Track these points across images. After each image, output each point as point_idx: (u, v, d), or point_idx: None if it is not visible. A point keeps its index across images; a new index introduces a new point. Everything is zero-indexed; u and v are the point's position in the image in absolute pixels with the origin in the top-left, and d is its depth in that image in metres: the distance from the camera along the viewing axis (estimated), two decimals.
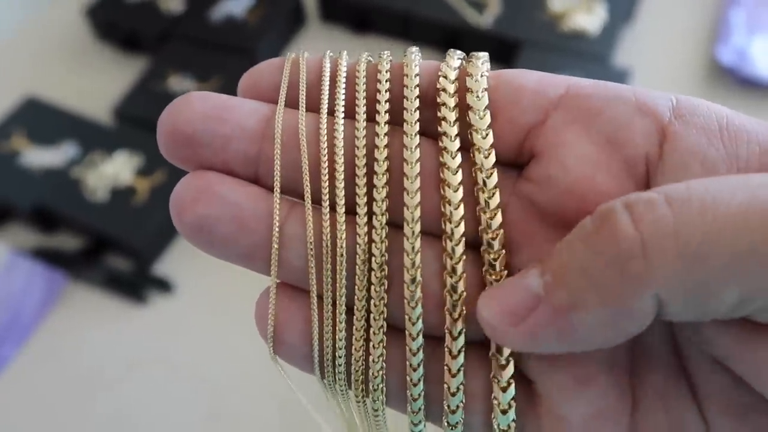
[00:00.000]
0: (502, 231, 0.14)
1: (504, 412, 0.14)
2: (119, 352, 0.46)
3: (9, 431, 0.43)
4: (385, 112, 0.15)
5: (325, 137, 0.15)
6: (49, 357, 0.46)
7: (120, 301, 0.48)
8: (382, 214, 0.14)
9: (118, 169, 0.50)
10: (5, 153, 0.52)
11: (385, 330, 0.15)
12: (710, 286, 0.11)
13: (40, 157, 0.52)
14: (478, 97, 0.14)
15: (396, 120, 0.15)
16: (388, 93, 0.15)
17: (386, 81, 0.15)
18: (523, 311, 0.12)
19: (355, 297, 0.15)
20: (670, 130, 0.13)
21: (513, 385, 0.14)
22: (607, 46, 0.55)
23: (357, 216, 0.15)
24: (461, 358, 0.14)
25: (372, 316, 0.15)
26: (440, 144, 0.15)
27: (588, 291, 0.11)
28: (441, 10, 0.57)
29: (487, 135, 0.14)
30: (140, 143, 0.52)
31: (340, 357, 0.15)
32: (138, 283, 0.48)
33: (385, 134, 0.15)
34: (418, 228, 0.14)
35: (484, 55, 0.15)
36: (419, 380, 0.14)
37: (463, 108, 0.15)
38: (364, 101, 0.15)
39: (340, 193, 0.15)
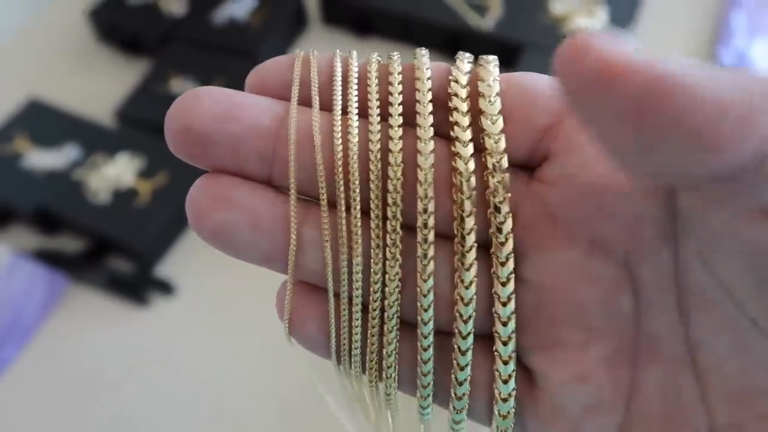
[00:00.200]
0: (512, 236, 0.14)
1: (504, 400, 0.15)
2: (121, 354, 0.46)
3: None
4: (399, 115, 0.15)
5: (340, 139, 0.15)
6: (50, 359, 0.46)
7: (122, 303, 0.48)
8: (396, 219, 0.15)
9: (120, 171, 0.50)
10: (7, 155, 0.52)
11: (398, 327, 0.15)
12: None
13: (42, 159, 0.52)
14: (490, 101, 0.14)
15: (407, 120, 0.15)
16: (400, 95, 0.15)
17: (399, 83, 0.15)
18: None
19: (370, 298, 0.15)
20: None
21: (513, 378, 0.15)
22: None
23: (372, 220, 0.15)
24: (469, 356, 0.15)
25: (386, 314, 0.15)
26: (453, 149, 0.15)
27: None
28: (443, 12, 0.58)
29: (499, 140, 0.14)
30: (142, 145, 0.52)
31: (355, 349, 0.15)
32: (139, 285, 0.48)
33: (400, 137, 0.15)
34: (431, 236, 0.14)
35: (494, 59, 0.15)
36: (429, 372, 0.15)
37: (474, 112, 0.15)
38: (377, 101, 0.15)
39: (356, 196, 0.15)
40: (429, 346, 0.15)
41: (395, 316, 0.15)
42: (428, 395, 0.15)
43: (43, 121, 0.54)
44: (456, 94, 0.15)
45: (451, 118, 0.15)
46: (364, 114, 0.15)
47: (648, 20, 0.60)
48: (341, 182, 0.15)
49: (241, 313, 0.47)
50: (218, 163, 0.15)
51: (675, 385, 0.14)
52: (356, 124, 0.15)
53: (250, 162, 0.15)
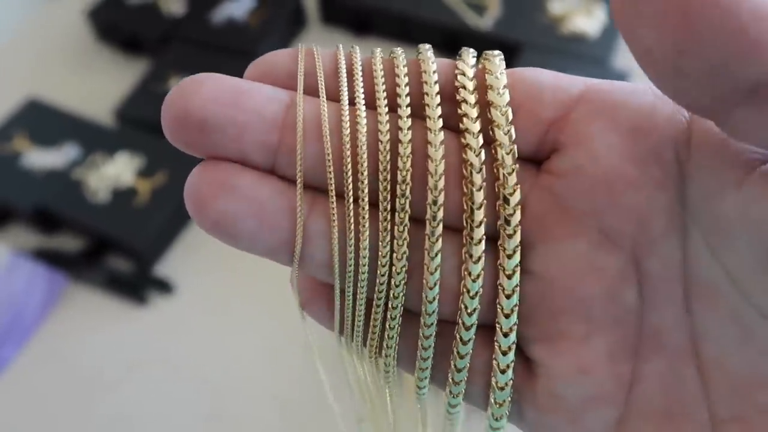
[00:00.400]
0: (520, 228, 0.14)
1: (501, 389, 0.15)
2: (120, 353, 0.46)
3: None
4: (407, 106, 0.15)
5: (348, 128, 0.14)
6: (50, 358, 0.46)
7: (121, 302, 0.48)
8: (405, 212, 0.14)
9: (119, 171, 0.51)
10: (7, 154, 0.52)
11: (401, 314, 0.15)
12: None
13: (41, 158, 0.52)
14: (499, 93, 0.14)
15: (414, 113, 0.15)
16: (407, 87, 0.15)
17: (405, 75, 0.15)
18: None
19: (375, 289, 0.15)
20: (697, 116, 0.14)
21: (511, 369, 0.15)
22: (606, 48, 0.55)
23: (380, 212, 0.15)
24: (470, 346, 0.15)
25: (390, 304, 0.15)
26: (463, 141, 0.15)
27: None
28: (441, 12, 0.58)
29: (509, 131, 0.14)
30: (141, 145, 0.52)
31: (358, 328, 0.16)
32: (139, 284, 0.48)
33: (409, 128, 0.15)
34: (440, 229, 0.14)
35: (498, 53, 0.15)
36: (428, 358, 0.15)
37: (482, 104, 0.15)
38: (384, 92, 0.15)
39: (365, 187, 0.14)
40: (431, 335, 0.15)
41: (399, 306, 0.15)
42: (426, 377, 0.15)
43: (42, 121, 0.55)
44: (464, 86, 0.15)
45: (459, 111, 0.15)
46: (370, 106, 0.15)
47: None
48: (350, 173, 0.14)
49: (240, 312, 0.47)
50: (218, 151, 0.14)
51: (677, 378, 0.14)
52: (363, 113, 0.15)
53: (252, 150, 0.14)
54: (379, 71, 0.15)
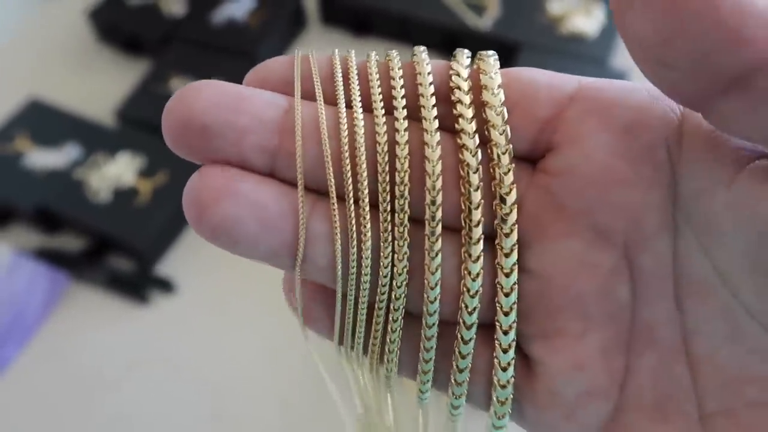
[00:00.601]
0: (516, 227, 0.15)
1: (503, 387, 0.15)
2: (121, 353, 0.46)
3: (12, 431, 0.44)
4: (403, 108, 0.15)
5: (346, 131, 0.15)
6: (51, 357, 0.46)
7: (122, 301, 0.48)
8: (404, 212, 0.15)
9: (120, 171, 0.51)
10: (9, 154, 0.52)
11: (402, 316, 0.15)
12: None
13: (43, 158, 0.52)
14: (494, 93, 0.15)
15: (410, 114, 0.15)
16: (403, 89, 0.15)
17: (400, 78, 0.15)
18: None
19: (378, 290, 0.15)
20: (688, 114, 0.14)
21: (512, 366, 0.15)
22: (605, 48, 0.55)
23: (380, 212, 0.15)
24: (471, 345, 0.15)
25: (392, 306, 0.15)
26: (459, 141, 0.15)
27: None
28: (440, 12, 0.58)
29: (504, 131, 0.14)
30: (142, 145, 0.53)
31: (359, 335, 0.16)
32: (140, 284, 0.48)
33: (405, 130, 0.15)
34: (439, 229, 0.15)
35: (493, 53, 0.15)
36: (430, 359, 0.15)
37: (477, 104, 0.15)
38: (380, 95, 0.15)
39: (364, 189, 0.15)
40: (432, 336, 0.15)
41: (401, 308, 0.15)
42: (428, 380, 0.16)
43: (43, 121, 0.55)
44: (458, 87, 0.15)
45: (454, 111, 0.15)
46: (367, 109, 0.15)
47: None
48: (349, 174, 0.15)
49: (241, 311, 0.48)
50: (218, 156, 0.14)
51: (668, 372, 0.14)
52: (361, 115, 0.15)
53: (252, 154, 0.14)
54: (374, 74, 0.15)
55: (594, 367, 0.14)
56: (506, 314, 0.15)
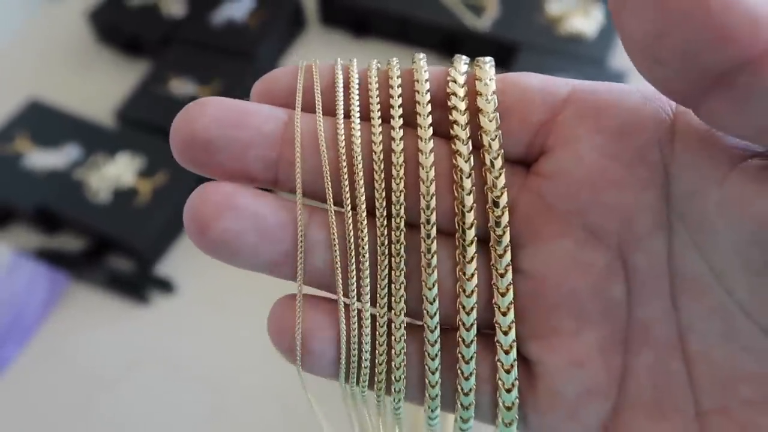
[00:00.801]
0: (509, 229, 0.15)
1: (508, 391, 0.15)
2: (121, 353, 0.46)
3: (12, 431, 0.44)
4: (399, 116, 0.16)
5: (344, 141, 0.15)
6: (51, 357, 0.46)
7: (122, 301, 0.48)
8: (400, 217, 0.15)
9: (120, 171, 0.51)
10: (9, 155, 0.52)
11: (405, 324, 0.15)
12: None
13: (43, 158, 0.52)
14: (487, 100, 0.15)
15: (407, 121, 0.16)
16: (400, 98, 0.16)
17: (398, 86, 0.16)
18: None
19: (378, 296, 0.15)
20: (680, 115, 0.14)
21: (516, 367, 0.15)
22: (603, 49, 0.55)
23: (377, 218, 0.15)
24: (473, 347, 0.15)
25: (393, 312, 0.15)
26: (453, 147, 0.15)
27: None
28: (439, 13, 0.58)
29: (496, 137, 0.15)
30: (142, 145, 0.53)
31: (366, 360, 0.15)
32: (140, 284, 0.48)
33: (401, 138, 0.15)
34: (434, 231, 0.15)
35: (490, 60, 0.16)
36: (437, 369, 0.15)
37: (473, 110, 0.15)
38: (378, 105, 0.16)
39: (361, 196, 0.15)
40: (436, 340, 0.15)
41: (402, 312, 0.15)
42: (437, 395, 0.16)
43: (43, 122, 0.55)
44: (454, 94, 0.15)
45: (450, 117, 0.15)
46: (366, 117, 0.16)
47: None
48: (347, 183, 0.15)
49: (241, 311, 0.48)
50: (223, 169, 0.15)
51: (665, 370, 0.14)
52: (359, 126, 0.16)
53: (256, 166, 0.15)
54: (374, 84, 0.16)
55: (593, 364, 0.15)
56: (504, 314, 0.15)
